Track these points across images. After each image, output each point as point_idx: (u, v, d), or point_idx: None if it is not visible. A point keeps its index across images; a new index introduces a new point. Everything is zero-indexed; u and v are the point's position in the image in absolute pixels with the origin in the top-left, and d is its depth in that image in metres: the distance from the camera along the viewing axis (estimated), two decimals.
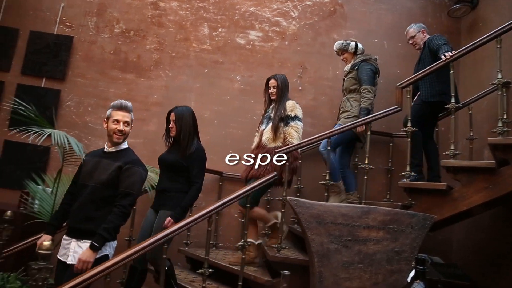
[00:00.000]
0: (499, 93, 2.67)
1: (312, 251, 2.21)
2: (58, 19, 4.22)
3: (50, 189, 3.26)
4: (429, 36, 3.41)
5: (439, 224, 2.71)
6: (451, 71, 2.83)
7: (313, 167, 3.75)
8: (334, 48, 3.74)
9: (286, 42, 4.31)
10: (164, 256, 2.18)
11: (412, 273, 1.79)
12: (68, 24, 4.25)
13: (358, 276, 2.21)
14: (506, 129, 2.58)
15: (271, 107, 3.28)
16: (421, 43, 3.45)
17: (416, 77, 2.98)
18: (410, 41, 3.54)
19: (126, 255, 1.99)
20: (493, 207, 3.02)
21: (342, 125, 3.20)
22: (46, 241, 1.90)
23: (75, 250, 2.19)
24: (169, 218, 2.61)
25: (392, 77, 3.81)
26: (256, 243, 3.09)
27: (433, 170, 3.28)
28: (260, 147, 3.14)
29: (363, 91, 3.39)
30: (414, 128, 2.91)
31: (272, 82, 3.29)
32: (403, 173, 2.87)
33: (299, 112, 3.17)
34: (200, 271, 2.40)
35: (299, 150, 3.12)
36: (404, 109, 3.01)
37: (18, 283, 2.57)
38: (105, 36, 4.26)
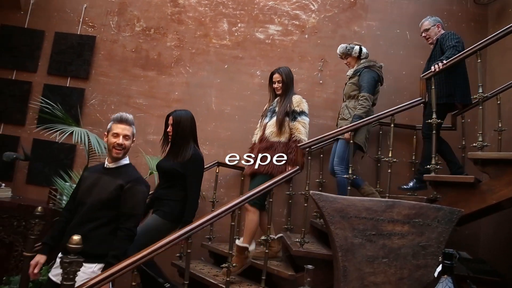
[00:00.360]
0: None
1: (336, 246, 2.19)
2: (81, 20, 4.32)
3: None
4: (443, 32, 3.30)
5: (465, 218, 2.64)
6: (478, 60, 2.73)
7: None
8: (338, 51, 3.63)
9: (306, 36, 4.27)
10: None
11: (439, 268, 1.76)
12: (90, 24, 4.34)
13: (382, 270, 2.18)
14: None
15: (275, 100, 3.18)
16: (434, 37, 3.34)
17: (442, 67, 2.88)
18: (424, 34, 3.42)
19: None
20: None
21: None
22: (75, 236, 1.78)
23: None
24: None
25: (415, 68, 3.73)
26: (276, 237, 3.09)
27: (454, 163, 3.19)
28: (263, 141, 3.04)
29: (361, 99, 3.29)
30: (439, 120, 2.84)
31: (277, 77, 3.17)
32: (428, 166, 2.81)
33: (305, 107, 3.06)
34: (224, 265, 2.42)
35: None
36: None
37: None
38: (126, 35, 4.33)
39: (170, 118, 2.85)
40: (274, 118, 3.04)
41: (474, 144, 2.67)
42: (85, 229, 2.05)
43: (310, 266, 1.76)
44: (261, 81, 4.19)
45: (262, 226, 3.04)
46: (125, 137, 2.25)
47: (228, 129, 4.07)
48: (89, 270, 2.01)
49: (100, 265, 2.05)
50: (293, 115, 3.00)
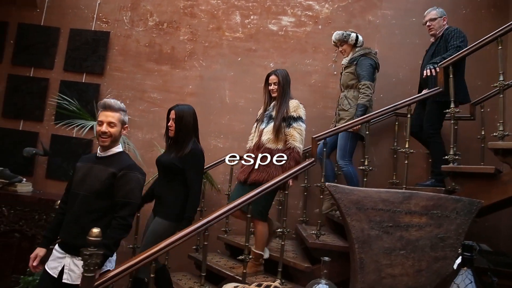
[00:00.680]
0: None
1: (353, 238, 2.18)
2: (95, 16, 4.36)
3: None
4: (447, 27, 3.21)
5: (485, 210, 2.59)
6: (499, 47, 2.65)
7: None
8: (333, 38, 3.55)
9: (320, 26, 4.22)
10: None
11: (458, 260, 1.73)
12: (104, 20, 4.38)
13: (400, 262, 2.16)
14: None
15: (272, 104, 3.02)
16: (438, 30, 3.25)
17: (459, 55, 2.81)
18: (428, 23, 3.30)
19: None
20: None
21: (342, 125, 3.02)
22: (94, 229, 1.77)
23: (70, 268, 2.02)
24: None
25: None
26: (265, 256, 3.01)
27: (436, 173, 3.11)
28: (260, 148, 2.90)
29: (362, 87, 3.24)
30: (457, 110, 2.77)
31: (273, 78, 3.01)
32: (446, 157, 2.75)
33: (302, 112, 2.91)
34: (240, 257, 2.44)
35: (301, 154, 2.88)
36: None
37: None
38: (139, 30, 4.35)
39: (172, 112, 2.79)
40: (271, 124, 2.90)
41: (494, 134, 2.60)
42: (82, 223, 2.02)
43: (326, 258, 1.74)
44: None
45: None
46: (110, 124, 2.17)
47: (242, 122, 4.07)
48: None
49: None
50: (289, 121, 2.86)
